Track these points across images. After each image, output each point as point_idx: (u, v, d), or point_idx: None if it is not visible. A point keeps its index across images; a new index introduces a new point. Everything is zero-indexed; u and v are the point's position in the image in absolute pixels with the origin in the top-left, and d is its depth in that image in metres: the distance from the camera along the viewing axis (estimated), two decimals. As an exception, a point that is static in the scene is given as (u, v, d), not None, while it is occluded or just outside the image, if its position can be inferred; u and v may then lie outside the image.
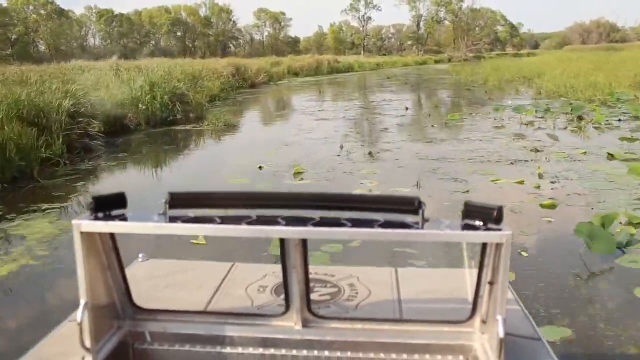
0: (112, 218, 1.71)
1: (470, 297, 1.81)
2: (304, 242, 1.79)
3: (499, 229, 1.56)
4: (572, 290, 4.33)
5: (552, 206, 6.56)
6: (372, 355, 1.85)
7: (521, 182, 7.72)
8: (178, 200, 1.72)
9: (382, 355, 1.85)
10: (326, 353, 1.87)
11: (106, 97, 15.23)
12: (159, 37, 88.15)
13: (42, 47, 76.27)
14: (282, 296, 1.92)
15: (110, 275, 1.87)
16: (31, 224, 6.56)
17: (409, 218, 1.63)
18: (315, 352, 1.87)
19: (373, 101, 22.81)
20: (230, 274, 2.42)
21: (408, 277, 2.37)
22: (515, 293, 2.11)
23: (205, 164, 10.89)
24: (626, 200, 6.66)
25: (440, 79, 37.34)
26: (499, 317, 1.61)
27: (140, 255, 2.60)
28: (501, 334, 1.58)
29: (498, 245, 1.60)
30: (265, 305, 2.12)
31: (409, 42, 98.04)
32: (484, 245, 1.68)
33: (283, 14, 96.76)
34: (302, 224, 1.64)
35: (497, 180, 7.90)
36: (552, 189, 7.39)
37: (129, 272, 1.98)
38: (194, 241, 5.32)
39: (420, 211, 1.61)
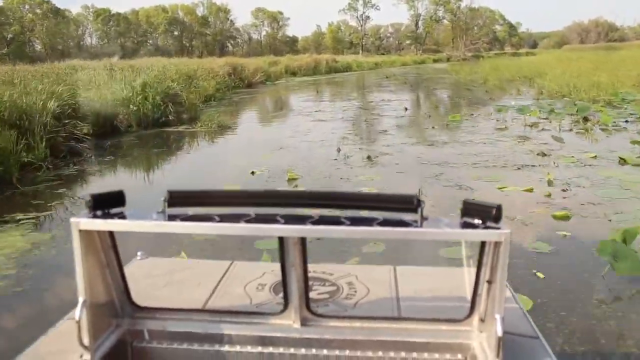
0: (111, 216, 1.70)
1: (469, 296, 1.80)
2: (302, 241, 1.78)
3: (498, 228, 1.55)
4: (599, 321, 3.82)
5: (566, 218, 6.06)
6: (370, 353, 1.84)
7: (530, 190, 7.23)
8: (177, 198, 1.71)
9: (380, 353, 1.84)
10: (325, 351, 1.86)
11: (96, 98, 14.72)
12: (156, 37, 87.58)
13: (38, 47, 75.77)
14: (281, 294, 1.91)
15: (108, 274, 1.86)
16: (1, 237, 6.05)
17: (407, 216, 1.61)
18: (314, 351, 1.86)
19: (372, 101, 22.31)
20: (229, 272, 2.41)
21: (407, 276, 2.35)
22: (514, 292, 2.09)
23: (195, 168, 10.37)
24: (645, 211, 6.18)
25: (439, 79, 36.86)
26: (498, 316, 1.60)
27: (139, 253, 2.57)
28: (499, 333, 1.58)
29: (497, 244, 1.58)
30: (264, 304, 2.11)
31: (408, 42, 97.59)
32: (483, 244, 1.66)
33: (281, 13, 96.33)
34: (301, 222, 1.63)
35: (504, 187, 7.40)
36: (564, 197, 6.89)
37: (127, 270, 1.97)
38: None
39: (419, 209, 1.60)
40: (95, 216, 1.69)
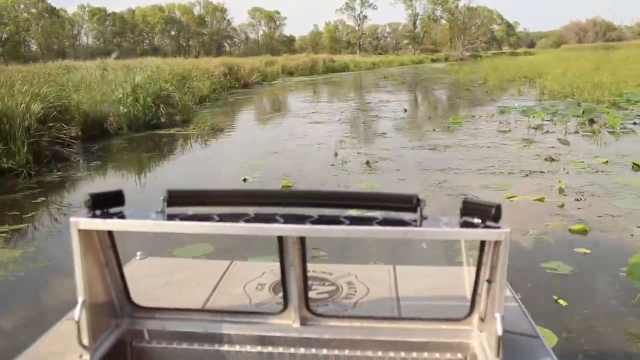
0: (110, 216, 1.70)
1: (469, 295, 1.78)
2: (302, 240, 1.77)
3: (498, 227, 1.54)
4: (637, 363, 3.32)
5: (584, 232, 5.56)
6: (370, 353, 1.84)
7: (541, 200, 6.73)
8: (176, 198, 1.71)
9: (380, 353, 1.84)
10: (324, 351, 1.86)
11: (85, 99, 14.17)
12: (153, 37, 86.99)
13: (34, 47, 75.19)
14: (281, 294, 1.90)
15: (108, 273, 1.86)
16: (-36, 255, 5.53)
17: (407, 216, 1.60)
18: (314, 350, 1.86)
19: (370, 102, 21.81)
20: (229, 272, 2.40)
21: (406, 275, 2.34)
22: (514, 292, 2.08)
23: (184, 174, 9.84)
24: (668, 224, 5.69)
25: (438, 79, 36.38)
26: (497, 315, 1.60)
27: (138, 253, 2.55)
28: (499, 332, 1.57)
29: (496, 243, 1.58)
30: (264, 303, 2.10)
31: (405, 41, 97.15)
32: (483, 243, 1.66)
33: (278, 12, 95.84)
34: (300, 221, 1.63)
35: (513, 197, 6.90)
36: (578, 208, 6.39)
37: (127, 270, 1.96)
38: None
39: (419, 209, 1.60)
40: (94, 216, 1.68)
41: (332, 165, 9.38)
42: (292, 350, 1.87)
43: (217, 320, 1.92)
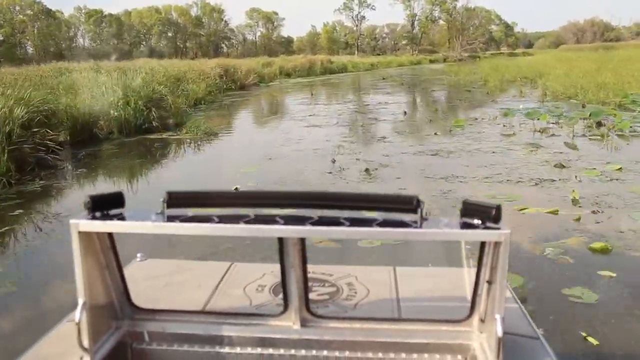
0: (110, 217, 1.69)
1: (469, 296, 1.77)
2: (302, 242, 1.76)
3: (498, 228, 1.54)
4: None
5: (606, 251, 5.06)
6: (370, 354, 1.83)
7: (555, 212, 6.23)
8: (176, 199, 1.71)
9: (380, 354, 1.82)
10: (325, 353, 1.85)
11: (72, 103, 13.66)
12: (150, 38, 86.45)
13: (30, 49, 74.71)
14: (281, 296, 1.88)
15: (108, 275, 1.85)
16: None
17: (407, 217, 1.60)
18: (314, 352, 1.85)
19: (368, 104, 21.32)
20: (229, 273, 2.40)
21: (406, 276, 2.34)
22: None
23: (174, 182, 9.30)
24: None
25: (437, 80, 35.89)
26: (498, 316, 1.59)
27: (138, 255, 2.53)
28: (500, 333, 1.57)
29: (497, 244, 1.58)
30: (264, 305, 2.10)
31: (404, 42, 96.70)
32: (483, 244, 1.65)
33: (276, 13, 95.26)
34: (300, 223, 1.62)
35: (524, 209, 6.40)
36: (596, 222, 5.89)
37: (127, 271, 1.95)
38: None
39: (419, 210, 1.59)
40: (94, 217, 1.68)
41: (330, 172, 8.89)
42: (292, 351, 1.85)
43: (218, 322, 1.91)
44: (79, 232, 1.66)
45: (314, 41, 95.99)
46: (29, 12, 74.81)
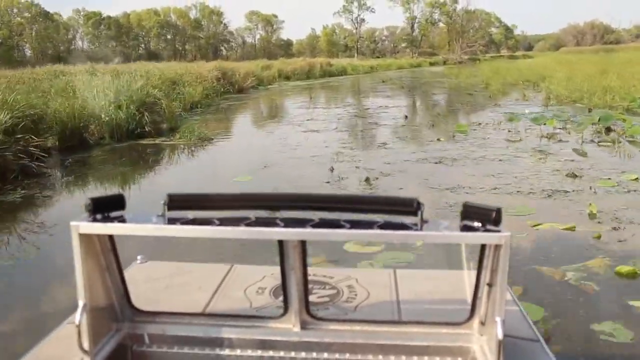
0: (111, 220, 1.70)
1: (469, 299, 1.77)
2: (302, 244, 1.77)
3: (498, 231, 1.54)
4: None
5: (634, 275, 4.53)
6: (370, 357, 1.82)
7: (572, 229, 5.72)
8: (177, 202, 1.71)
9: (380, 357, 1.82)
10: (325, 355, 1.84)
11: (62, 108, 13.15)
12: (149, 41, 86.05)
13: (28, 52, 74.35)
14: (281, 298, 1.89)
15: (108, 277, 1.85)
16: None
17: (408, 219, 1.60)
18: (314, 354, 1.85)
19: (368, 108, 20.82)
20: (229, 275, 2.39)
21: (407, 279, 2.33)
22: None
23: (163, 193, 8.81)
24: None
25: (437, 83, 35.42)
26: (498, 319, 1.58)
27: (138, 257, 2.52)
28: (500, 336, 1.56)
29: (497, 247, 1.57)
30: (264, 307, 2.10)
31: (403, 45, 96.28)
32: (483, 247, 1.65)
33: (275, 16, 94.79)
34: (300, 225, 1.63)
35: (538, 225, 5.89)
36: (619, 241, 5.37)
37: (127, 274, 1.96)
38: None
39: (419, 212, 1.59)
40: (95, 220, 1.68)
41: (328, 182, 8.39)
42: (292, 354, 1.85)
43: (218, 324, 1.90)
44: (80, 234, 1.66)
45: (313, 44, 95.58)
46: (26, 14, 74.50)
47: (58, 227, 6.88)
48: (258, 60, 51.44)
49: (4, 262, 5.65)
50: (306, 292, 1.84)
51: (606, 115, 12.95)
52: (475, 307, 1.75)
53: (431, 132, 13.92)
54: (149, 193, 8.57)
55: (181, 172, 10.62)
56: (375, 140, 12.89)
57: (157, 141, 13.46)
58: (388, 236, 1.67)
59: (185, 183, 9.34)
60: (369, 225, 1.59)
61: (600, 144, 11.14)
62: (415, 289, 2.23)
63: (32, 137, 10.45)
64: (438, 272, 2.58)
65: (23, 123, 10.69)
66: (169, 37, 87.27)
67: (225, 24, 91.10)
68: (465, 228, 1.56)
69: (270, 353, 1.86)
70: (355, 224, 1.59)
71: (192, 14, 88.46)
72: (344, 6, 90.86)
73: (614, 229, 5.71)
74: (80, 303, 1.69)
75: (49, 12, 76.35)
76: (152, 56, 66.53)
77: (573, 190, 7.33)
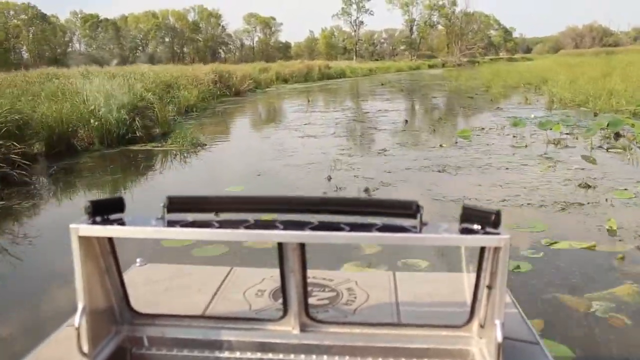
0: (110, 222, 1.70)
1: (469, 301, 1.77)
2: (302, 247, 1.77)
3: (497, 233, 1.54)
4: None
5: (668, 305, 4.05)
6: (370, 359, 1.82)
7: (592, 248, 5.22)
8: (176, 204, 1.72)
9: (380, 359, 1.81)
10: (324, 358, 1.84)
11: (49, 112, 12.65)
12: (147, 43, 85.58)
13: (25, 54, 73.90)
14: (280, 300, 1.89)
15: (108, 280, 1.86)
16: None
17: (407, 222, 1.59)
18: (314, 357, 1.85)
19: (367, 112, 20.33)
20: (229, 278, 2.38)
21: (406, 281, 2.34)
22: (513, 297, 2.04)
23: (151, 205, 8.31)
24: None
25: (437, 85, 34.95)
26: (497, 322, 1.59)
27: (138, 259, 2.52)
28: (499, 339, 1.56)
29: (496, 249, 1.57)
30: (263, 310, 2.10)
31: (402, 47, 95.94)
32: (482, 249, 1.65)
33: (273, 19, 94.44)
34: (300, 228, 1.63)
35: (554, 243, 5.39)
36: (646, 262, 4.89)
37: (126, 276, 1.96)
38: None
39: (419, 215, 1.59)
40: (94, 222, 1.68)
41: (325, 192, 7.88)
42: (292, 356, 1.84)
43: (217, 327, 1.89)
44: (79, 237, 1.66)
45: (311, 46, 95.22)
46: (23, 16, 74.09)
47: (39, 239, 6.43)
48: (256, 63, 51.05)
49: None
50: (305, 294, 1.84)
51: (615, 120, 12.45)
52: (475, 310, 1.74)
53: (432, 137, 13.42)
54: (132, 204, 8.05)
55: (171, 181, 10.10)
56: (375, 146, 12.40)
57: (149, 147, 12.98)
58: (387, 239, 1.65)
59: (174, 193, 8.82)
60: (368, 227, 1.59)
61: (610, 150, 10.66)
62: (415, 292, 2.22)
63: (15, 143, 9.94)
64: (437, 275, 2.59)
65: (6, 128, 10.22)
66: (167, 39, 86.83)
67: (223, 27, 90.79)
68: (465, 231, 1.56)
69: (270, 356, 1.85)
70: (354, 227, 1.59)
71: (191, 17, 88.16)
72: (342, 9, 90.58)
73: (639, 248, 5.21)
74: (80, 305, 1.69)
75: (46, 15, 76.01)
76: (150, 59, 66.04)
77: (588, 203, 6.82)
